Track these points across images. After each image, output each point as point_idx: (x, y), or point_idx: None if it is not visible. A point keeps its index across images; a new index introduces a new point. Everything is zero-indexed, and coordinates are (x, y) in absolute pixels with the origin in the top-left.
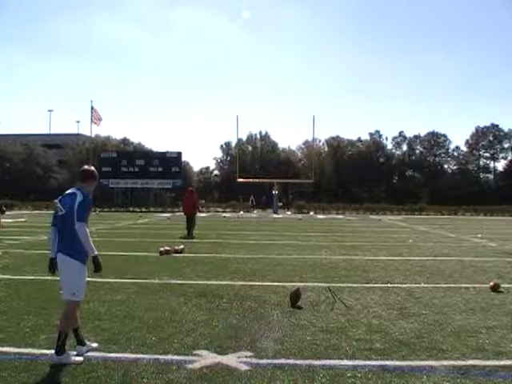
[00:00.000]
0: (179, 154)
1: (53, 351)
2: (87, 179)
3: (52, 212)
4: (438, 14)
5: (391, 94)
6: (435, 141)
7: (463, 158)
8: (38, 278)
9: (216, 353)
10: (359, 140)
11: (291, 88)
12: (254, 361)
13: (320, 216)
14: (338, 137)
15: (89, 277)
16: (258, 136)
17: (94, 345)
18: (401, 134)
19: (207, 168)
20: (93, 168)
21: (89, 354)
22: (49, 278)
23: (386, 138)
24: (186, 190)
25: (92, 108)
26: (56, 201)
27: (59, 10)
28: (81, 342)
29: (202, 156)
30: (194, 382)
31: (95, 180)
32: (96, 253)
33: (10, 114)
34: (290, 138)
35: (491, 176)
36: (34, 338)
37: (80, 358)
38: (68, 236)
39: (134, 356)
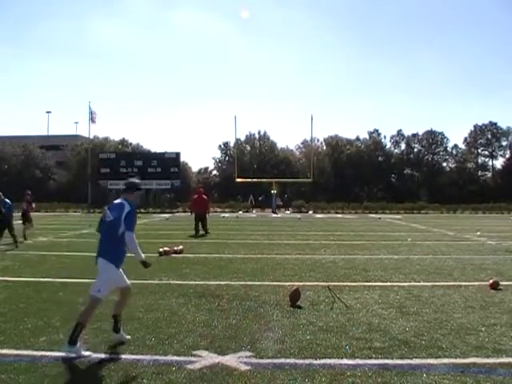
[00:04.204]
0: (178, 154)
1: (54, 353)
2: (132, 191)
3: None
4: (435, 12)
5: (389, 93)
6: (433, 139)
7: (462, 156)
8: (37, 279)
9: (216, 353)
10: (358, 139)
11: (289, 88)
12: (254, 361)
13: (319, 215)
14: (336, 136)
15: (88, 278)
16: (257, 136)
17: (128, 337)
18: (399, 132)
19: (206, 168)
20: (137, 181)
21: (88, 354)
22: (48, 279)
23: (385, 137)
24: (195, 190)
25: (90, 109)
26: (106, 207)
27: (56, 11)
28: (117, 330)
29: (201, 156)
30: (194, 382)
31: (139, 191)
32: (143, 258)
33: (8, 115)
34: (288, 138)
35: (490, 174)
36: (34, 340)
37: (88, 353)
38: (110, 242)
39: (133, 357)
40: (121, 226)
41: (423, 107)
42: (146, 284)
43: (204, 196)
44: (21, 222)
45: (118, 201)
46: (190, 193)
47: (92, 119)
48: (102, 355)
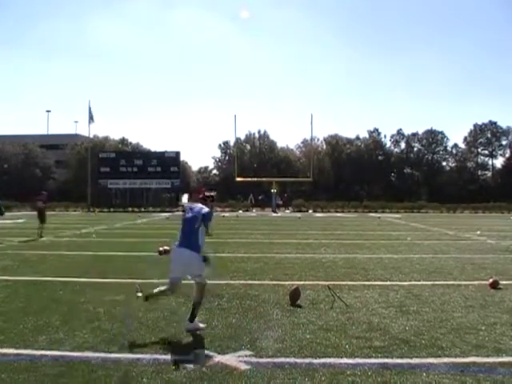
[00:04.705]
0: (178, 153)
1: (54, 352)
2: (205, 200)
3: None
4: (435, 12)
5: (390, 92)
6: (433, 138)
7: (461, 155)
8: (37, 278)
9: (216, 352)
10: (358, 138)
11: (289, 87)
12: (254, 360)
13: (319, 214)
14: (336, 135)
15: (88, 278)
16: (257, 135)
17: (202, 325)
18: (399, 131)
19: (206, 167)
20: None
21: (89, 354)
22: (48, 278)
23: (385, 136)
24: (196, 189)
25: (90, 108)
26: (187, 205)
27: (56, 11)
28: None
29: (201, 155)
30: (193, 381)
31: (212, 201)
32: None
33: (8, 115)
34: (288, 137)
35: (489, 173)
36: (34, 339)
37: (204, 325)
38: (193, 235)
39: (133, 356)
40: (200, 222)
41: (423, 107)
42: (146, 283)
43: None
44: (38, 220)
45: (198, 204)
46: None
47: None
48: (102, 354)
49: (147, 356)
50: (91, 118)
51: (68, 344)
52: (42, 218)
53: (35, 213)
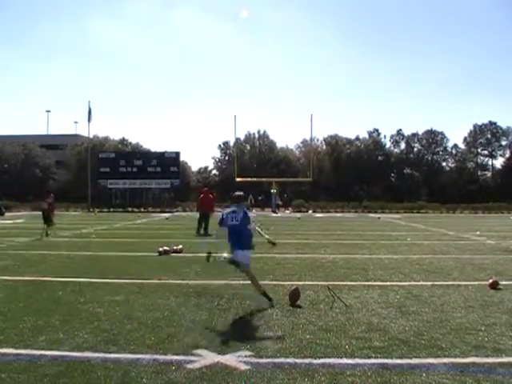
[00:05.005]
0: (177, 153)
1: (54, 352)
2: (242, 201)
3: None
4: (434, 12)
5: (389, 92)
6: (433, 139)
7: (461, 155)
8: (36, 278)
9: (216, 352)
10: (357, 138)
11: (289, 87)
12: (254, 360)
13: (319, 214)
14: (336, 135)
15: (88, 278)
16: (256, 135)
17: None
18: (399, 132)
19: (206, 168)
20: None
21: (88, 354)
22: (48, 278)
23: (385, 137)
24: (200, 190)
25: (90, 108)
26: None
27: (56, 12)
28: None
29: (201, 156)
30: (193, 381)
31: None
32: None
33: (7, 115)
34: (288, 137)
35: (489, 174)
36: (34, 339)
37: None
38: (245, 237)
39: (133, 356)
40: (247, 224)
41: (423, 107)
42: (146, 283)
43: (210, 195)
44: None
45: (237, 208)
46: (190, 192)
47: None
48: (102, 354)
49: (147, 356)
50: (89, 118)
51: (68, 344)
52: (46, 219)
53: (39, 213)
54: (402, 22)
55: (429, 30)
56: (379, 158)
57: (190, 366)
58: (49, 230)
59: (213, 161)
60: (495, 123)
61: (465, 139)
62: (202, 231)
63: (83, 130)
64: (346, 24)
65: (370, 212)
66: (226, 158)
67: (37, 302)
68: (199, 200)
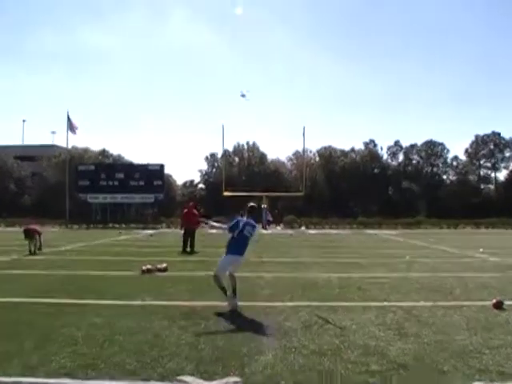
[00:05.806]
0: (162, 166)
1: (29, 379)
2: (256, 213)
3: None
4: (433, 21)
5: (386, 102)
6: (433, 150)
7: (463, 168)
8: (8, 300)
9: (202, 378)
10: (352, 150)
11: (280, 97)
12: None
13: (312, 231)
14: (329, 147)
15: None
16: (246, 147)
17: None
18: (397, 143)
19: (191, 181)
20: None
21: (66, 380)
22: (21, 300)
23: (381, 148)
24: (186, 204)
25: (68, 118)
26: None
27: (38, 21)
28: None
29: (186, 168)
30: None
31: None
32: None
33: None
34: (279, 149)
35: (492, 187)
36: (6, 365)
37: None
38: (246, 247)
39: (114, 382)
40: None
41: (422, 117)
42: (127, 305)
43: (195, 211)
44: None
45: (251, 221)
46: (176, 207)
47: (71, 129)
48: (80, 381)
49: (128, 382)
50: (73, 130)
51: (43, 370)
52: (28, 236)
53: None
54: (399, 32)
55: (428, 38)
56: (375, 170)
57: None
58: (32, 246)
59: (199, 173)
60: (499, 134)
61: (466, 150)
62: (188, 249)
63: (61, 141)
64: (339, 35)
65: (365, 228)
66: (214, 170)
67: (7, 325)
68: (183, 215)
